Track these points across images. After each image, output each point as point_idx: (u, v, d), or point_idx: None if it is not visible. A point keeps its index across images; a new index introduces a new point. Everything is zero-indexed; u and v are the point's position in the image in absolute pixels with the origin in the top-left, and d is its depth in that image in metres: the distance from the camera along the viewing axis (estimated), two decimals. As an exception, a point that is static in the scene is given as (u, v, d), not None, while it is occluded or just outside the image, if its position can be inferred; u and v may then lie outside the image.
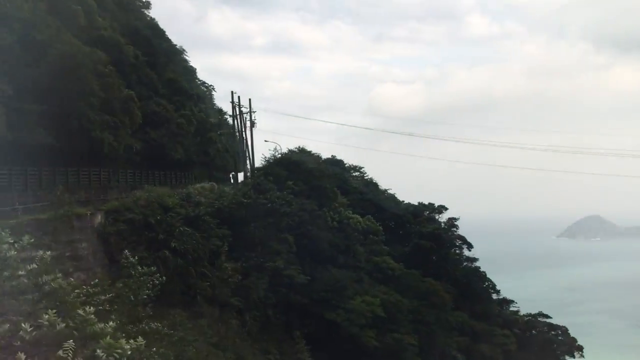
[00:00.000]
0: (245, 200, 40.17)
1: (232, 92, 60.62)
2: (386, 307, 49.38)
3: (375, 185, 79.80)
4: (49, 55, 37.35)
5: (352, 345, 45.25)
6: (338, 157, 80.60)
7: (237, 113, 59.10)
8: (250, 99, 61.76)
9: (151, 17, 70.78)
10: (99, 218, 29.99)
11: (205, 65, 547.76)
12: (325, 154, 79.97)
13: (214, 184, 43.52)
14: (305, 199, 52.29)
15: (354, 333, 44.55)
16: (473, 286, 70.53)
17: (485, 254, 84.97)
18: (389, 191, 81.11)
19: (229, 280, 36.00)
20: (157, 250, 30.86)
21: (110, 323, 11.54)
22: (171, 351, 25.68)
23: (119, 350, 10.17)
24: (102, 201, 33.90)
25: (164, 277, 30.67)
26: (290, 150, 61.67)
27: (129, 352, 10.44)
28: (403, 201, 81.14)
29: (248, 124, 58.81)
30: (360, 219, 54.25)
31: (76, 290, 15.65)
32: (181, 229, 32.27)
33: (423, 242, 65.78)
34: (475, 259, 76.35)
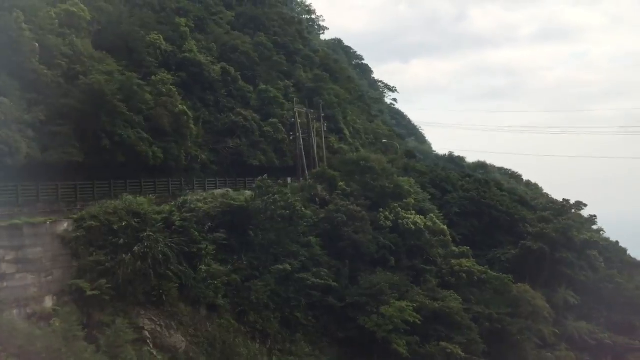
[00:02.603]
0: (245, 205, 41.09)
1: (293, 99, 61.70)
2: (438, 314, 45.69)
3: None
4: (81, 84, 43.17)
5: (387, 351, 43.09)
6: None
7: (307, 119, 60.03)
8: (321, 104, 61.91)
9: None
10: (64, 225, 34.05)
11: (468, 62, 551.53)
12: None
13: (229, 189, 45.13)
14: (358, 199, 51.02)
15: (384, 339, 42.31)
16: (610, 295, 60.36)
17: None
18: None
19: (212, 281, 37.33)
20: (117, 254, 33.80)
21: None
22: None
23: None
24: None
25: (120, 279, 33.77)
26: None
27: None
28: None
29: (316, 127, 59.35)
30: (420, 219, 50.66)
31: None
32: (147, 234, 34.77)
33: (530, 244, 58.39)
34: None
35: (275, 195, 42.00)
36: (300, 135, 58.09)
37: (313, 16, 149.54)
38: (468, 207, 62.58)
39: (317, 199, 50.15)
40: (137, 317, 34.20)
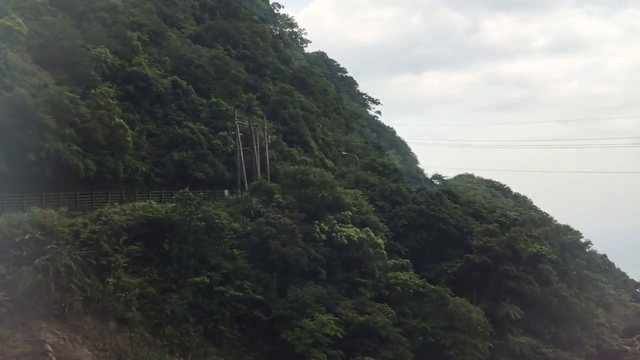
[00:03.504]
0: (164, 217, 41.27)
1: (234, 110, 62.12)
2: (366, 328, 45.51)
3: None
4: (5, 98, 43.66)
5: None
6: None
7: (250, 131, 60.39)
8: (264, 117, 62.26)
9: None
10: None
11: (481, 74, 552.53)
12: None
13: (152, 201, 45.30)
14: (293, 211, 51.11)
15: (304, 353, 42.18)
16: (556, 309, 59.98)
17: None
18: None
19: (122, 294, 37.40)
20: (19, 267, 34.01)
21: None
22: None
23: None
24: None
25: (19, 291, 33.89)
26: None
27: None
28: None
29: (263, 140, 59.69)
30: (355, 232, 50.65)
31: None
32: (51, 246, 34.96)
33: (473, 257, 58.22)
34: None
35: (192, 207, 42.11)
36: (241, 148, 58.31)
37: (295, 29, 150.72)
38: (416, 220, 62.44)
39: (252, 212, 50.25)
40: (39, 331, 34.26)
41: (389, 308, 49.19)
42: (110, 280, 37.29)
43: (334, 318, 43.98)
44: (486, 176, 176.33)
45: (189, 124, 61.18)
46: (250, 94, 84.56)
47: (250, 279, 45.07)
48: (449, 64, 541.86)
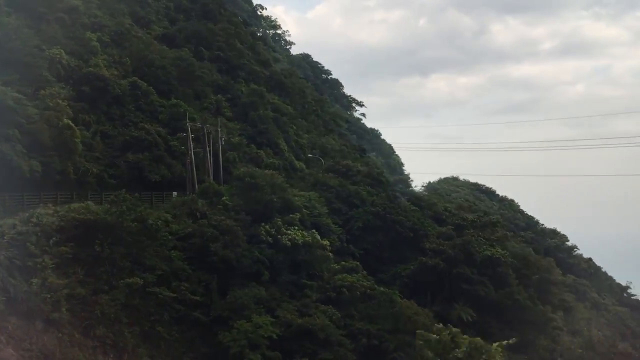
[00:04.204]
0: (98, 218, 41.37)
1: (187, 116, 62.21)
2: (306, 330, 45.54)
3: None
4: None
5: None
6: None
7: (202, 133, 60.55)
8: (220, 129, 62.39)
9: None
10: None
11: (489, 77, 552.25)
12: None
13: (90, 202, 45.37)
14: (239, 213, 51.24)
15: (238, 354, 42.25)
16: (511, 312, 59.94)
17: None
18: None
19: (48, 295, 37.44)
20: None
21: None
22: None
23: None
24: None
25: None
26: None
27: None
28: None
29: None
30: (300, 234, 50.71)
31: None
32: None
33: (426, 259, 58.26)
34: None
35: (123, 208, 42.21)
36: (192, 150, 58.38)
37: (279, 31, 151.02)
38: (372, 222, 62.51)
39: (197, 213, 50.32)
40: (-42, 331, 34.34)
41: (334, 310, 49.29)
42: (35, 280, 37.29)
43: (271, 319, 44.07)
44: (488, 180, 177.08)
45: (146, 126, 61.25)
46: (219, 96, 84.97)
47: (190, 280, 45.20)
48: (456, 67, 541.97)
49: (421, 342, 36.79)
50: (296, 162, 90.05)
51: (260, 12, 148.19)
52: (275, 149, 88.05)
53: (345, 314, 50.47)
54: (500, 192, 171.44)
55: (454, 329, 36.63)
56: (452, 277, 59.06)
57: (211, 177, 58.73)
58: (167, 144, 62.75)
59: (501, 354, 34.19)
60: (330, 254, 52.91)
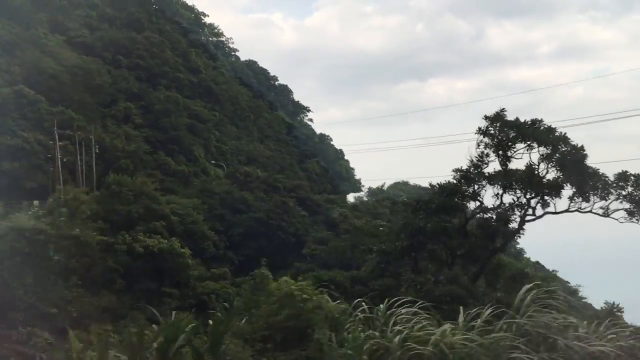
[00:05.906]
0: None
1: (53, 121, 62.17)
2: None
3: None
4: None
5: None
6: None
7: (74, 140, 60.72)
8: (93, 140, 62.39)
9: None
10: None
11: (487, 81, 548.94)
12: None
13: None
14: (96, 222, 51.22)
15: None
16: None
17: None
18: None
19: None
20: None
21: None
22: None
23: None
24: None
25: None
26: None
27: None
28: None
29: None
30: (155, 242, 50.79)
31: None
32: None
33: (300, 264, 58.42)
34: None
35: None
36: (59, 159, 58.34)
37: (222, 38, 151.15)
38: (255, 228, 62.62)
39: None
40: None
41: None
42: None
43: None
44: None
45: (24, 133, 61.17)
46: (129, 103, 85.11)
47: (27, 289, 45.04)
48: (454, 71, 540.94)
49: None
50: (211, 169, 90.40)
51: (203, 19, 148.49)
52: (189, 156, 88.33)
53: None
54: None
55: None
56: (329, 283, 59.14)
57: (82, 186, 58.63)
58: (48, 151, 62.65)
59: None
60: (190, 261, 52.90)
